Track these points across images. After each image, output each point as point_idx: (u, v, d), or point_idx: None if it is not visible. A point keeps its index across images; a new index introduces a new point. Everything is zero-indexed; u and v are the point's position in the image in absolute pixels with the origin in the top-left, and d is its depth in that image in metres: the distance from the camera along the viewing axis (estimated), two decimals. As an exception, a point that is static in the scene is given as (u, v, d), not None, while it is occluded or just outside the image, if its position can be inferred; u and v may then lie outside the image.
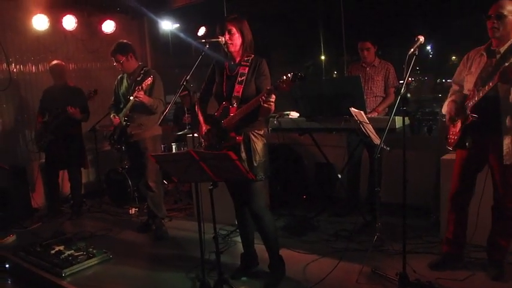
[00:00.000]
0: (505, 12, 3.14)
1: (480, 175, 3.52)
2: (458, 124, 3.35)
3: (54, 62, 5.85)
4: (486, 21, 3.24)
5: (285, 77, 3.01)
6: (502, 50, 3.23)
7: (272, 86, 3.11)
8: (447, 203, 3.70)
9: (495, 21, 3.16)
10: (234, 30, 3.40)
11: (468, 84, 3.39)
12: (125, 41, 4.93)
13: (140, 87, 4.50)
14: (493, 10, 3.19)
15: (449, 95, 3.61)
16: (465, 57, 3.52)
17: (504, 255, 3.48)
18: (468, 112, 3.24)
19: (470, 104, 3.24)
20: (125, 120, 4.78)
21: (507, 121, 3.17)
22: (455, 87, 3.59)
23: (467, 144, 3.33)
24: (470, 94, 3.30)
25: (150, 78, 4.55)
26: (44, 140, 5.75)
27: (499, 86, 3.10)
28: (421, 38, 3.14)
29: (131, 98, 4.62)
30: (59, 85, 5.81)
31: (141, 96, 4.52)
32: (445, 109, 3.56)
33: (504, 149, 3.18)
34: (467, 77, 3.43)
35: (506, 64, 3.07)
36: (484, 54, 3.33)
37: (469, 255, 3.72)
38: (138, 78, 4.73)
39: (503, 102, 3.16)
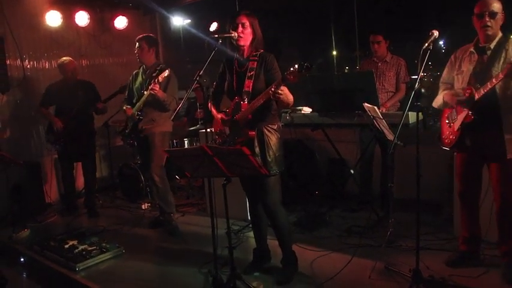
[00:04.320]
0: (496, 10, 3.17)
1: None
2: (456, 124, 3.32)
3: (67, 58, 5.68)
4: (476, 19, 3.24)
5: (292, 69, 3.03)
6: (492, 45, 3.24)
7: (279, 78, 3.15)
8: (458, 200, 3.69)
9: (488, 19, 3.17)
10: (247, 23, 3.40)
11: (459, 83, 3.39)
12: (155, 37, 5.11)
13: (157, 80, 4.54)
14: (484, 8, 3.18)
15: (440, 91, 3.57)
16: (452, 57, 3.52)
17: None
18: (468, 110, 3.20)
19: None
20: (137, 115, 4.81)
21: (507, 117, 3.15)
22: (445, 86, 3.57)
23: (467, 142, 3.30)
24: (465, 92, 3.26)
25: (167, 71, 4.58)
26: (63, 138, 5.62)
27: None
28: (436, 33, 3.10)
29: (145, 92, 4.67)
30: (71, 81, 5.67)
31: (157, 89, 4.56)
32: (440, 101, 3.51)
33: (506, 143, 3.16)
34: (457, 76, 3.43)
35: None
36: (474, 52, 3.33)
37: (483, 252, 3.68)
38: (154, 74, 4.75)
39: (502, 98, 3.15)
